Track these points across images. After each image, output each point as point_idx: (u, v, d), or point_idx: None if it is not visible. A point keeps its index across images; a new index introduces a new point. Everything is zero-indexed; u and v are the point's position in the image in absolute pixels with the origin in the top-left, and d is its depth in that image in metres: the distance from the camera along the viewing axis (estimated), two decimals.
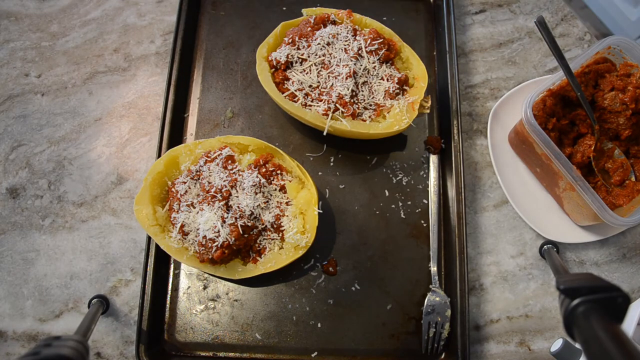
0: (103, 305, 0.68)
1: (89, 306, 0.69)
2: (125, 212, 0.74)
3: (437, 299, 0.67)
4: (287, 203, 0.67)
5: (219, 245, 0.62)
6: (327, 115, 0.68)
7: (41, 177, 0.76)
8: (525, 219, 0.71)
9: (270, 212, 0.66)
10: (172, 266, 0.71)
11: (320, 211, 0.66)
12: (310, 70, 0.70)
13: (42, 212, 0.74)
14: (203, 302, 0.69)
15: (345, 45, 0.70)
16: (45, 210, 0.75)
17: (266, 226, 0.66)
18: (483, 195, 0.75)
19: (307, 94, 0.70)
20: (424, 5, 0.83)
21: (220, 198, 0.64)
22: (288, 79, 0.71)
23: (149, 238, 0.68)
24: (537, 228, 0.71)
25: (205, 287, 0.70)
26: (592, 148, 0.66)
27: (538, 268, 0.71)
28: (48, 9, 0.86)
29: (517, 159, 0.75)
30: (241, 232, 0.63)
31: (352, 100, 0.68)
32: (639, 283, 0.71)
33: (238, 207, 0.64)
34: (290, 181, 0.67)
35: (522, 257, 0.72)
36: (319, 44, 0.70)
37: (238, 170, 0.66)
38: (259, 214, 0.65)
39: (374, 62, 0.70)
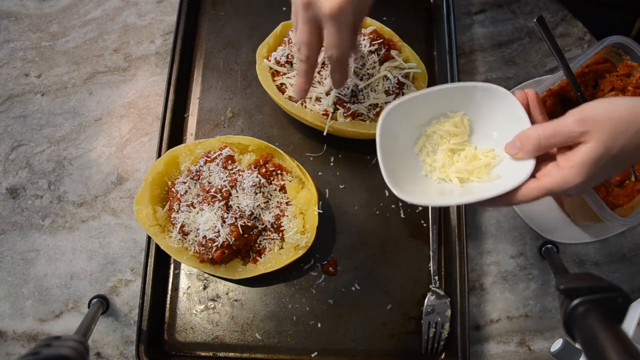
0: (103, 305, 0.68)
1: (89, 306, 0.69)
2: (125, 212, 0.74)
3: (437, 299, 0.67)
4: (287, 203, 0.67)
5: (219, 245, 0.62)
6: (327, 115, 0.68)
7: (41, 177, 0.76)
8: (525, 219, 0.71)
9: (270, 212, 0.66)
10: (172, 266, 0.71)
11: (320, 211, 0.66)
12: None
13: (42, 212, 0.74)
14: (203, 302, 0.69)
15: None
16: (45, 210, 0.75)
17: (266, 226, 0.66)
18: None
19: None
20: (424, 5, 0.83)
21: (220, 198, 0.64)
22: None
23: (149, 238, 0.68)
24: (537, 228, 0.71)
25: (205, 287, 0.70)
26: None
27: (538, 268, 0.71)
28: (48, 9, 0.86)
29: None
30: (241, 232, 0.63)
31: (352, 100, 0.68)
32: (639, 283, 0.71)
33: (238, 207, 0.64)
34: (290, 181, 0.67)
35: (522, 257, 0.72)
36: None
37: (238, 170, 0.66)
38: (259, 214, 0.65)
39: (374, 63, 0.70)
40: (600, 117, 0.42)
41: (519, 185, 0.47)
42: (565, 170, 0.44)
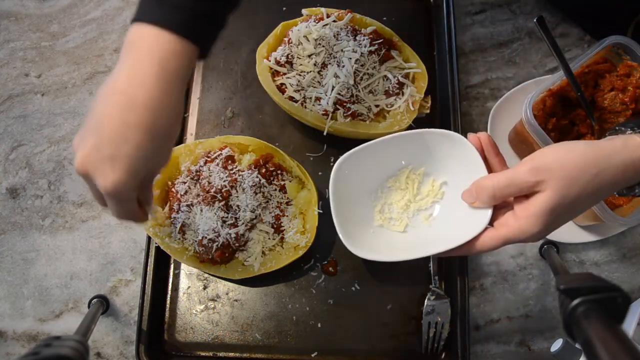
0: (103, 305, 0.68)
1: (89, 306, 0.69)
2: None
3: (437, 299, 0.67)
4: (287, 203, 0.67)
5: (219, 246, 0.62)
6: (327, 115, 0.68)
7: (41, 177, 0.76)
8: None
9: (270, 212, 0.66)
10: (172, 266, 0.71)
11: (321, 211, 0.66)
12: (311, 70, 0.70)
13: (42, 212, 0.74)
14: (203, 302, 0.69)
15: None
16: (45, 210, 0.75)
17: None
18: None
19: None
20: (424, 5, 0.83)
21: (220, 198, 0.64)
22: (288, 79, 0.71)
23: (149, 238, 0.68)
24: None
25: (205, 287, 0.70)
26: None
27: (538, 268, 0.71)
28: (48, 9, 0.86)
29: (517, 159, 0.75)
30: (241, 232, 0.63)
31: (352, 100, 0.68)
32: (639, 283, 0.71)
33: (238, 207, 0.64)
34: (290, 181, 0.67)
35: (522, 257, 0.72)
36: (319, 44, 0.70)
37: (238, 171, 0.66)
38: (259, 214, 0.65)
39: (374, 63, 0.70)
40: (553, 165, 0.42)
41: (476, 236, 0.48)
42: (523, 220, 0.44)
